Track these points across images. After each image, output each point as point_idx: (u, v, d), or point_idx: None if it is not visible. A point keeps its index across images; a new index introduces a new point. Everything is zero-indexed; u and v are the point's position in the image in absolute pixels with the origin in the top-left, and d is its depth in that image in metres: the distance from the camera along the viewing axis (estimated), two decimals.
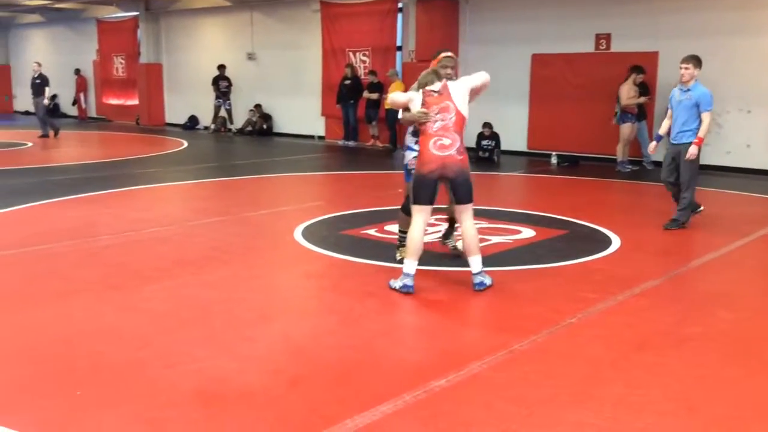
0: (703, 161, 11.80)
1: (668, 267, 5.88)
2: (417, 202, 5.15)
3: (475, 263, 5.14)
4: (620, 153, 12.00)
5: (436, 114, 5.10)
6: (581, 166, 12.48)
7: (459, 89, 5.22)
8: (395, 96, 5.47)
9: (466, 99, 5.24)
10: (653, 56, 12.23)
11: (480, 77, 5.38)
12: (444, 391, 3.50)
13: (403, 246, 5.52)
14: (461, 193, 5.14)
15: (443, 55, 5.53)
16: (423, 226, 5.13)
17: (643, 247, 6.70)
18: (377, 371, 3.74)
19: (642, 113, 12.00)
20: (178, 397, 3.41)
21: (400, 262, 5.51)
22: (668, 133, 7.48)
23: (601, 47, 12.96)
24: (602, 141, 12.66)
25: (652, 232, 7.38)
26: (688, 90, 7.19)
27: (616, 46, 12.74)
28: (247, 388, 3.51)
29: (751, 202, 9.35)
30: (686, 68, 7.15)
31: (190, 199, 9.35)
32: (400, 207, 5.97)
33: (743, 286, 5.61)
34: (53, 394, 3.45)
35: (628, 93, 11.69)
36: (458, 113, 5.14)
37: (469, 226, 5.16)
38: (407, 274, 5.06)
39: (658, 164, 12.17)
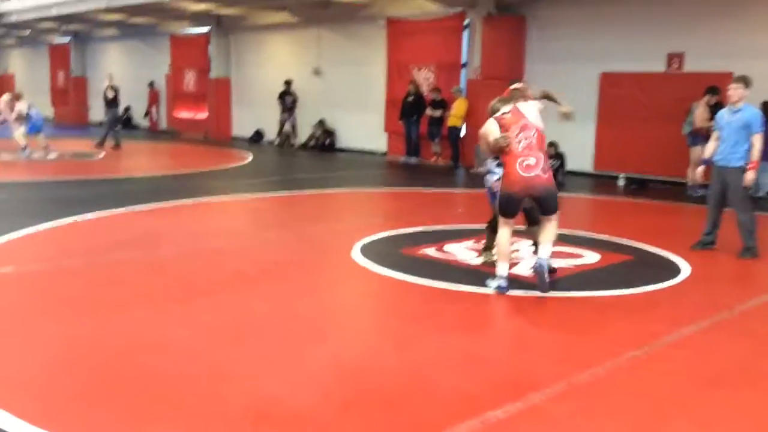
0: None
1: (741, 298, 5.58)
2: (504, 215, 5.55)
3: (546, 250, 5.46)
4: (691, 176, 11.58)
5: (519, 134, 5.40)
6: (650, 189, 12.09)
7: (530, 109, 5.56)
8: (487, 137, 5.65)
9: (539, 117, 5.55)
10: (727, 77, 11.71)
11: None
12: (500, 423, 3.37)
13: (487, 249, 6.30)
14: (547, 206, 5.48)
15: (512, 87, 5.91)
16: (510, 234, 5.57)
17: (713, 276, 6.40)
18: (431, 398, 3.63)
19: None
20: (227, 414, 3.38)
21: (485, 264, 6.23)
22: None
23: (673, 66, 12.57)
24: (672, 163, 12.23)
25: (722, 260, 7.05)
26: (738, 111, 6.96)
27: (689, 66, 12.33)
28: (296, 410, 3.45)
29: None
30: (735, 89, 6.97)
31: (251, 213, 9.45)
32: (488, 226, 6.36)
33: None
34: (103, 404, 3.47)
35: (702, 115, 11.28)
36: (538, 130, 5.47)
37: (553, 225, 5.52)
38: (501, 276, 5.46)
39: None
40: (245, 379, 3.78)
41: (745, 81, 7.02)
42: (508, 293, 5.45)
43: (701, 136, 11.34)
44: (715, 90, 11.27)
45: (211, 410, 3.42)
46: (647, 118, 12.71)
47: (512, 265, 6.29)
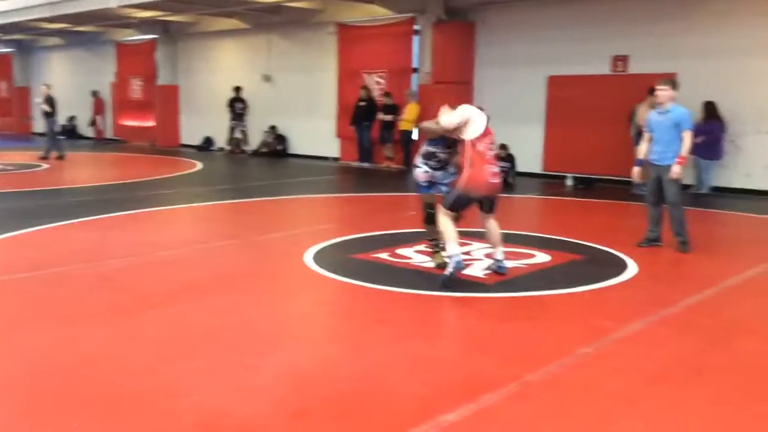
0: (722, 183, 11.70)
1: (686, 293, 5.71)
2: (451, 209, 5.88)
3: (500, 253, 6.12)
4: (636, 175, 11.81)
5: (491, 144, 5.84)
6: (597, 188, 12.32)
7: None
8: (450, 117, 5.79)
9: None
10: (671, 78, 12.04)
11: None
12: (453, 426, 3.36)
13: (437, 251, 6.35)
14: (493, 206, 6.08)
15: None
16: (451, 220, 5.88)
17: (660, 272, 6.53)
18: (384, 404, 3.61)
19: None
20: (178, 429, 3.30)
21: (438, 266, 6.24)
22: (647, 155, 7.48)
23: (618, 69, 12.84)
24: (618, 163, 12.46)
25: (669, 257, 7.21)
26: (667, 112, 7.18)
27: (634, 68, 12.62)
28: (248, 421, 3.39)
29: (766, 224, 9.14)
30: (663, 89, 7.19)
31: (201, 222, 9.31)
32: (424, 220, 6.42)
33: (764, 314, 5.42)
34: (47, 424, 3.35)
35: (644, 115, 11.53)
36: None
37: (493, 224, 6.12)
38: (455, 254, 5.70)
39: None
40: (195, 393, 3.70)
41: (672, 82, 7.28)
42: (461, 294, 5.47)
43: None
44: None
45: (160, 427, 3.33)
46: (594, 120, 12.96)
47: (466, 266, 6.34)
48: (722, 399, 3.72)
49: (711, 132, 11.16)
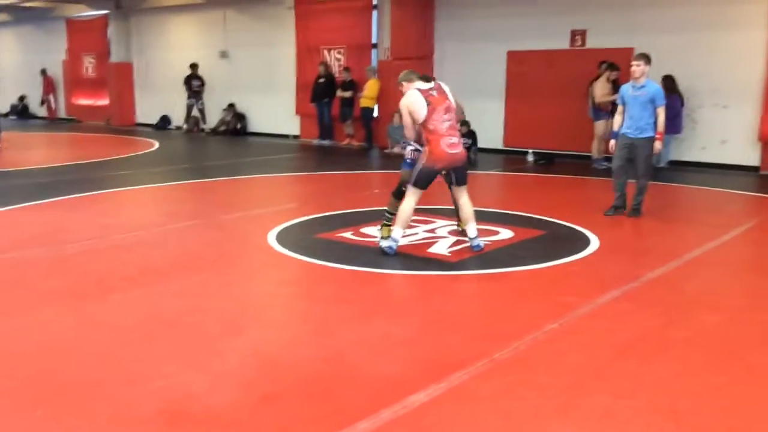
0: (679, 157, 11.89)
1: (648, 267, 5.78)
2: (417, 186, 5.89)
3: (471, 229, 6.05)
4: (595, 150, 11.96)
5: (444, 114, 5.77)
6: (557, 163, 12.41)
7: (448, 89, 5.93)
8: (405, 121, 5.95)
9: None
10: (628, 52, 12.12)
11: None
12: (424, 406, 3.34)
13: (387, 225, 6.31)
14: (462, 176, 6.05)
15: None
16: (415, 204, 5.93)
17: (622, 246, 6.61)
18: (353, 385, 3.58)
19: (615, 109, 11.93)
20: (141, 416, 3.22)
21: (383, 238, 6.23)
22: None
23: (576, 44, 12.89)
24: (577, 138, 12.61)
25: (630, 231, 7.31)
26: (642, 87, 7.41)
27: (592, 43, 12.68)
28: (215, 406, 3.33)
29: (728, 198, 9.33)
30: (638, 65, 7.41)
31: (160, 203, 9.12)
32: (393, 192, 6.38)
33: (725, 286, 5.53)
34: (10, 414, 3.24)
35: (602, 90, 11.65)
36: (455, 112, 5.92)
37: (466, 200, 6.08)
38: (395, 239, 5.88)
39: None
40: (158, 379, 3.61)
41: (646, 57, 7.45)
42: (427, 273, 5.45)
43: (604, 110, 11.72)
44: (614, 66, 11.64)
45: (122, 414, 3.25)
46: (553, 95, 13.02)
47: (429, 245, 6.33)
48: (686, 371, 3.78)
49: (670, 106, 11.26)
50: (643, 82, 7.42)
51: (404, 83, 6.00)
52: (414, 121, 5.85)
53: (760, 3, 10.98)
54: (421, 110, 5.75)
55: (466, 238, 6.23)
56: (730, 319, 4.61)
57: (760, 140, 11.20)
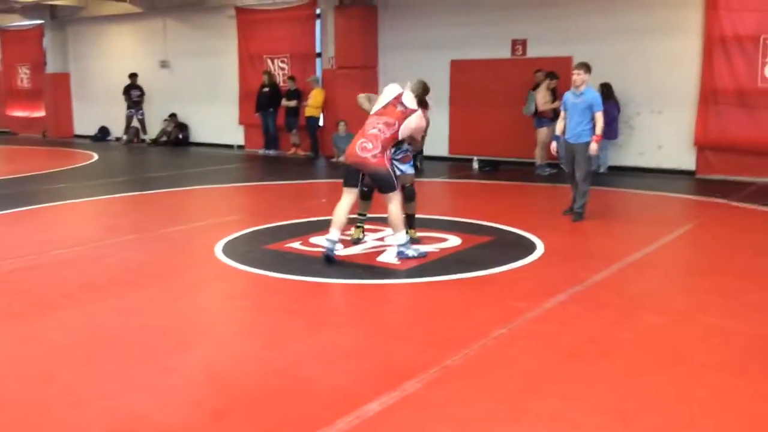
0: (617, 162, 12.20)
1: (593, 270, 5.90)
2: (343, 184, 6.09)
3: (398, 237, 6.04)
4: (538, 156, 12.19)
5: (379, 123, 5.92)
6: (502, 170, 12.59)
7: (411, 119, 6.02)
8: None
9: (406, 131, 6.06)
10: (567, 61, 12.43)
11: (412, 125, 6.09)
12: (378, 416, 3.33)
13: (360, 227, 6.73)
14: (383, 186, 6.01)
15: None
16: (346, 204, 6.03)
17: (566, 251, 6.72)
18: (306, 398, 3.54)
19: (556, 117, 12.20)
20: None
21: (354, 241, 6.66)
22: (563, 133, 8.05)
23: (517, 53, 13.12)
24: (521, 145, 12.81)
25: (573, 236, 7.46)
26: (582, 94, 7.77)
27: (532, 52, 12.93)
28: (164, 426, 3.25)
29: (666, 201, 9.61)
30: (578, 74, 7.79)
31: (100, 217, 8.88)
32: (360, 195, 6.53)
33: (666, 288, 5.68)
34: None
35: (543, 98, 11.88)
36: (393, 135, 5.96)
37: (392, 208, 6.01)
38: (330, 239, 5.96)
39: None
40: (104, 399, 3.50)
41: (586, 66, 7.82)
42: (376, 281, 5.45)
43: (546, 117, 11.97)
44: (554, 75, 11.92)
45: None
46: (496, 103, 13.21)
47: (378, 253, 6.33)
48: (632, 372, 3.86)
49: (607, 113, 11.56)
50: (583, 89, 7.77)
51: (416, 96, 6.25)
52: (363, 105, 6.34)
53: (694, 10, 11.36)
54: (379, 101, 6.07)
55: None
56: (672, 321, 4.74)
57: (695, 145, 11.58)
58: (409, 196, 6.60)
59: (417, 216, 6.93)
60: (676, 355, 4.10)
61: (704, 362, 3.99)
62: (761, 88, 10.90)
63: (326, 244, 5.97)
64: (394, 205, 6.00)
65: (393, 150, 6.34)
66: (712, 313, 4.88)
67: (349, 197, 6.06)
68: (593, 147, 7.75)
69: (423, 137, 6.67)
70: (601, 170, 12.09)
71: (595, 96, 7.79)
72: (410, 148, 6.62)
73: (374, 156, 5.89)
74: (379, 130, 5.91)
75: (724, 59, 11.14)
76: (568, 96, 7.92)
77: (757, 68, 10.92)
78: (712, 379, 3.75)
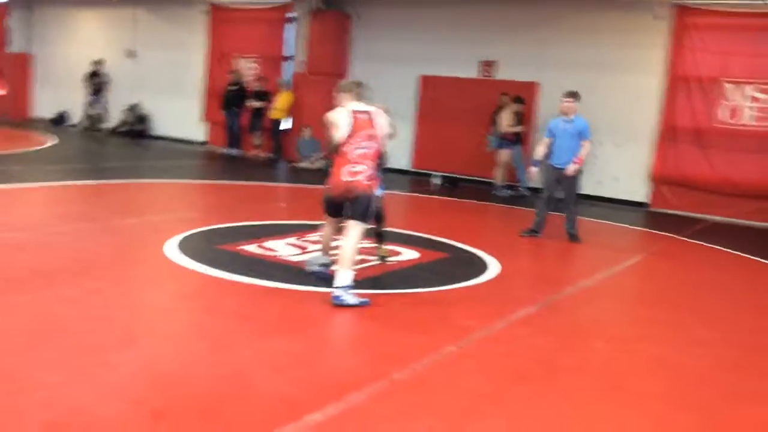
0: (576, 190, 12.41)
1: (544, 294, 5.98)
2: (326, 212, 5.56)
3: (341, 277, 5.13)
4: (498, 178, 12.33)
5: (362, 141, 5.29)
6: (461, 187, 12.69)
7: (381, 120, 5.45)
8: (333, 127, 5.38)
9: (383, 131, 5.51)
10: (534, 86, 12.67)
11: (387, 128, 5.60)
12: (319, 426, 3.31)
13: (379, 246, 6.45)
14: (357, 210, 5.30)
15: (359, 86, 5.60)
16: (331, 230, 5.60)
17: (520, 273, 6.80)
18: (248, 404, 3.49)
19: (518, 140, 12.38)
20: (23, 429, 3.03)
21: (381, 259, 6.40)
22: (546, 158, 8.18)
23: (485, 74, 13.28)
24: (482, 164, 12.95)
25: (528, 258, 7.56)
26: (572, 121, 7.95)
27: (500, 74, 13.10)
28: (103, 420, 3.18)
29: (619, 231, 9.80)
30: (569, 102, 7.98)
31: (53, 203, 8.66)
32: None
33: (616, 315, 5.79)
34: None
35: (508, 121, 12.04)
36: (379, 146, 5.46)
37: (350, 236, 5.27)
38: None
39: (534, 190, 12.64)
40: (43, 389, 3.41)
41: (577, 95, 8.06)
42: (330, 290, 5.42)
43: (508, 140, 12.13)
44: (520, 99, 12.11)
45: (2, 427, 3.05)
46: (461, 121, 13.34)
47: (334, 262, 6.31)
48: (576, 398, 3.91)
49: None
50: (573, 117, 7.98)
51: (342, 94, 5.44)
52: (331, 137, 5.40)
53: (658, 50, 11.67)
54: (342, 128, 5.27)
55: (374, 258, 6.23)
56: (617, 347, 4.83)
57: (651, 179, 11.86)
58: (378, 218, 6.27)
59: (374, 227, 6.93)
60: (619, 383, 4.18)
61: (645, 392, 4.07)
62: (717, 128, 11.24)
63: (315, 268, 5.52)
64: (355, 237, 5.28)
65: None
66: (655, 343, 4.99)
67: (333, 226, 5.59)
68: (570, 168, 7.94)
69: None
70: (559, 196, 12.29)
71: (585, 124, 8.01)
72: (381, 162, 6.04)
73: (366, 178, 5.30)
74: (366, 148, 5.31)
75: (685, 98, 11.47)
76: (557, 123, 8.10)
77: (715, 109, 11.27)
78: (653, 410, 3.83)
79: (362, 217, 5.30)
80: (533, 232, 8.21)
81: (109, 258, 6.08)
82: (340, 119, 5.30)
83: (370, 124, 5.35)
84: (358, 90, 5.46)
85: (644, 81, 11.81)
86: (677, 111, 11.53)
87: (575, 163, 7.94)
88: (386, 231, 6.53)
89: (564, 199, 8.17)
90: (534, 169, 8.28)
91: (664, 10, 11.54)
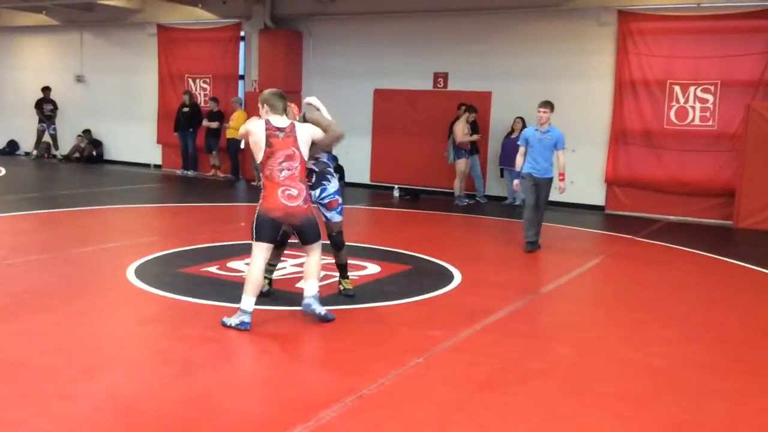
0: None
1: (507, 301, 6.04)
2: (260, 239, 5.02)
3: (310, 287, 5.13)
4: (457, 188, 12.44)
5: (283, 162, 4.95)
6: (422, 199, 12.77)
7: (304, 134, 5.07)
8: (242, 130, 5.23)
9: (308, 146, 5.11)
10: (487, 95, 12.84)
11: (328, 132, 5.21)
12: None
13: (344, 278, 5.96)
14: (310, 236, 5.16)
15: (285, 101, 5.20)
16: (262, 263, 5.07)
17: (482, 281, 6.87)
18: (217, 427, 3.46)
19: (474, 149, 12.53)
20: None
21: (342, 293, 5.89)
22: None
23: (439, 85, 13.42)
24: (440, 175, 13.07)
25: (489, 266, 7.63)
26: (547, 131, 8.02)
27: (453, 85, 13.25)
28: None
29: (577, 235, 9.96)
30: (544, 112, 8.03)
31: (4, 235, 8.46)
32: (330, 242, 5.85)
33: (577, 319, 5.88)
34: None
35: (462, 131, 12.18)
36: (302, 162, 5.05)
37: (312, 258, 5.21)
38: (245, 311, 4.93)
39: (491, 198, 12.80)
40: (4, 427, 3.33)
41: (551, 105, 8.10)
42: (293, 308, 5.39)
43: (463, 149, 12.26)
44: (472, 108, 12.26)
45: None
46: (417, 133, 13.46)
47: (297, 280, 6.28)
48: (543, 402, 3.96)
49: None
50: (548, 127, 8.03)
51: (264, 105, 5.10)
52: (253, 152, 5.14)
53: (605, 55, 11.95)
54: (258, 149, 4.97)
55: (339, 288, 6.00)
56: (581, 351, 4.90)
57: (606, 182, 12.10)
58: (338, 245, 5.85)
59: None
60: (582, 385, 4.24)
61: (608, 392, 4.14)
62: (667, 129, 11.54)
63: (241, 318, 4.93)
64: (318, 254, 5.21)
65: (318, 192, 5.67)
66: (615, 344, 5.09)
67: (264, 254, 5.06)
68: (562, 185, 8.13)
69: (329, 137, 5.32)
70: (517, 202, 12.45)
71: (560, 134, 8.07)
72: (335, 185, 5.80)
73: (305, 201, 5.04)
74: (288, 169, 4.96)
75: (632, 102, 11.76)
76: (531, 132, 8.14)
77: (663, 111, 11.56)
78: (616, 409, 3.89)
79: (319, 236, 5.20)
80: (532, 244, 8.15)
81: (65, 288, 5.96)
82: (257, 133, 4.96)
83: (290, 142, 4.97)
84: (275, 102, 5.06)
85: (595, 86, 12.08)
86: (626, 114, 11.83)
87: (562, 178, 8.10)
88: (347, 263, 6.02)
89: (539, 206, 8.13)
90: (516, 182, 8.32)
91: (609, 16, 11.84)
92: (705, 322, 5.80)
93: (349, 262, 6.10)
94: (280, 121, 5.04)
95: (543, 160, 8.03)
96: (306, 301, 5.11)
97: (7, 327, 4.84)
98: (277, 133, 4.96)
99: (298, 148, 5.01)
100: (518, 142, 8.34)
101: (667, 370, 4.56)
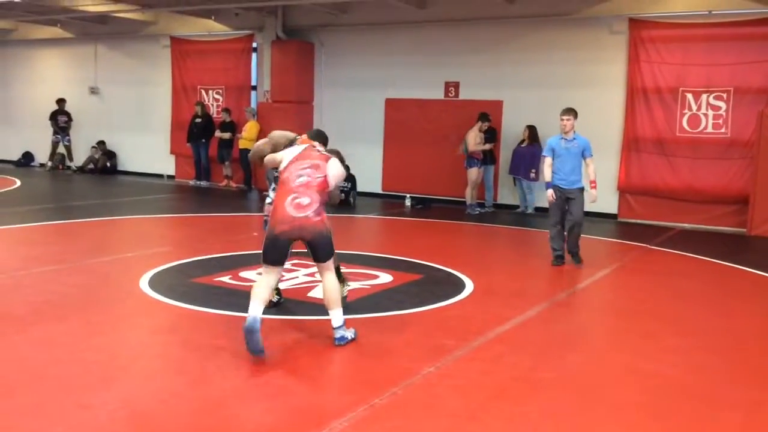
0: (544, 203, 12.43)
1: (519, 310, 6.04)
2: (263, 260, 4.82)
3: (336, 317, 4.90)
4: (469, 196, 12.43)
5: (306, 168, 4.81)
6: (433, 208, 12.78)
7: (333, 168, 4.96)
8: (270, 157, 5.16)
9: (335, 180, 4.97)
10: (498, 104, 12.86)
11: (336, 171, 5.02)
12: None
13: (342, 281, 5.65)
14: (321, 253, 4.88)
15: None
16: (269, 285, 4.82)
17: (494, 290, 6.86)
18: None
19: (488, 158, 12.52)
20: None
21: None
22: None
23: (450, 95, 13.45)
24: (452, 184, 13.07)
25: (501, 275, 7.62)
26: (573, 139, 7.76)
27: (464, 94, 13.28)
28: None
29: (589, 243, 9.89)
30: (568, 120, 7.75)
31: (21, 246, 8.55)
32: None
33: (589, 328, 5.86)
34: None
35: (474, 139, 12.18)
36: (326, 178, 4.86)
37: (329, 281, 4.93)
38: (250, 317, 4.58)
39: (499, 207, 12.78)
40: None
41: (574, 112, 7.83)
42: (306, 318, 5.41)
43: (476, 158, 12.26)
44: (486, 117, 12.25)
45: None
46: (429, 142, 13.48)
47: (309, 289, 6.32)
48: (555, 411, 3.96)
49: (535, 156, 11.95)
50: (573, 135, 7.77)
51: (300, 137, 5.29)
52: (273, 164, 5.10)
53: (617, 64, 11.94)
54: (286, 155, 4.96)
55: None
56: (593, 360, 4.89)
57: (618, 190, 12.07)
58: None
59: (348, 252, 6.94)
60: (595, 396, 4.23)
61: (622, 403, 4.13)
62: (680, 137, 11.50)
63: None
64: (333, 275, 4.98)
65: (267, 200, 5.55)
66: (629, 353, 5.06)
67: (273, 276, 4.83)
68: (594, 194, 7.83)
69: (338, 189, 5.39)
70: (529, 211, 12.43)
71: (587, 142, 7.80)
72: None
73: (316, 213, 4.76)
74: (309, 176, 4.79)
75: (645, 110, 11.73)
76: (557, 142, 7.82)
77: (675, 119, 11.53)
78: (629, 420, 3.88)
79: (331, 253, 4.94)
80: (560, 258, 7.90)
81: (80, 298, 6.01)
82: (289, 150, 4.99)
83: (322, 158, 4.94)
84: (314, 138, 5.21)
85: (607, 94, 12.06)
86: (638, 122, 11.79)
87: (593, 186, 7.80)
88: (340, 271, 5.78)
89: (572, 218, 7.78)
90: (550, 191, 7.83)
91: (621, 24, 11.83)
92: (719, 330, 5.77)
93: (361, 271, 6.11)
94: (320, 147, 5.11)
95: (571, 170, 7.72)
96: (337, 335, 4.88)
97: (23, 337, 4.89)
98: (316, 148, 5.02)
99: (326, 167, 4.89)
100: (543, 153, 8.06)
101: (681, 380, 4.54)
